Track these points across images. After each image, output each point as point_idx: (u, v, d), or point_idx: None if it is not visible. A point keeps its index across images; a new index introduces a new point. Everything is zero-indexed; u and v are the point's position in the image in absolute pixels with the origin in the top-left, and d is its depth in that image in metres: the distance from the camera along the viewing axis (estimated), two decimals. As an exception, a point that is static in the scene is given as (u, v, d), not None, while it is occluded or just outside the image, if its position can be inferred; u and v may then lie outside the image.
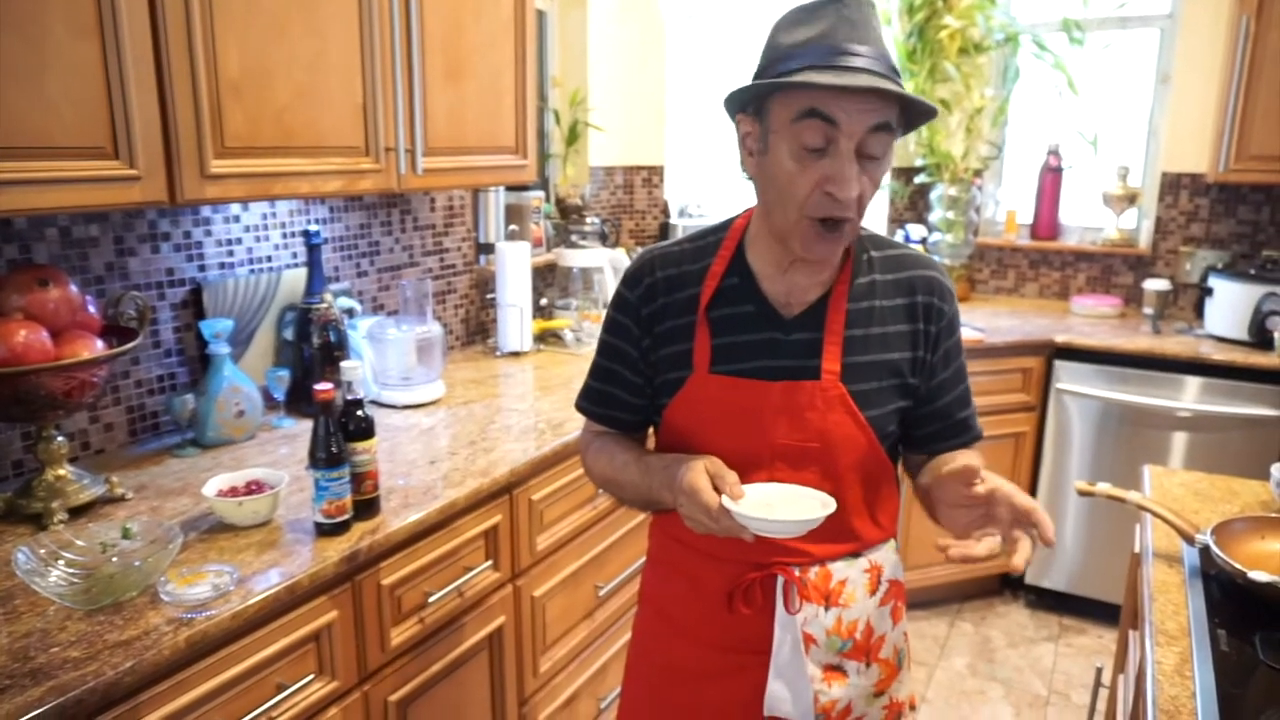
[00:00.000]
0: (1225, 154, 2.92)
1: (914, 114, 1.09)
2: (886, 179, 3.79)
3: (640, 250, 1.47)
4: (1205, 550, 1.39)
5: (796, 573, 1.17)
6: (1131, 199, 3.43)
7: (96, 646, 1.10)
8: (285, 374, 1.97)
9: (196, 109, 1.45)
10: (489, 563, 1.73)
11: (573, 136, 3.26)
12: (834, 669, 1.19)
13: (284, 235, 2.11)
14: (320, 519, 1.42)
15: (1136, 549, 1.75)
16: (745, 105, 1.11)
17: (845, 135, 1.03)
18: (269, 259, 2.08)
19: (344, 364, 1.47)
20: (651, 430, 1.33)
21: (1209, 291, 3.02)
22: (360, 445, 1.46)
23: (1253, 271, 2.95)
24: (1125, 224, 3.50)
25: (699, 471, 1.06)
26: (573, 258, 2.96)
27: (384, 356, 2.13)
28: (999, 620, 3.21)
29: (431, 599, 1.58)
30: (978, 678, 2.86)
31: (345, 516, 1.43)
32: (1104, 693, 1.89)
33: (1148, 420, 2.92)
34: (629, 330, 1.24)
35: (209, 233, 1.92)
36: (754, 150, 1.12)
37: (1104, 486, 1.54)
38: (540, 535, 1.89)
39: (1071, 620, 3.19)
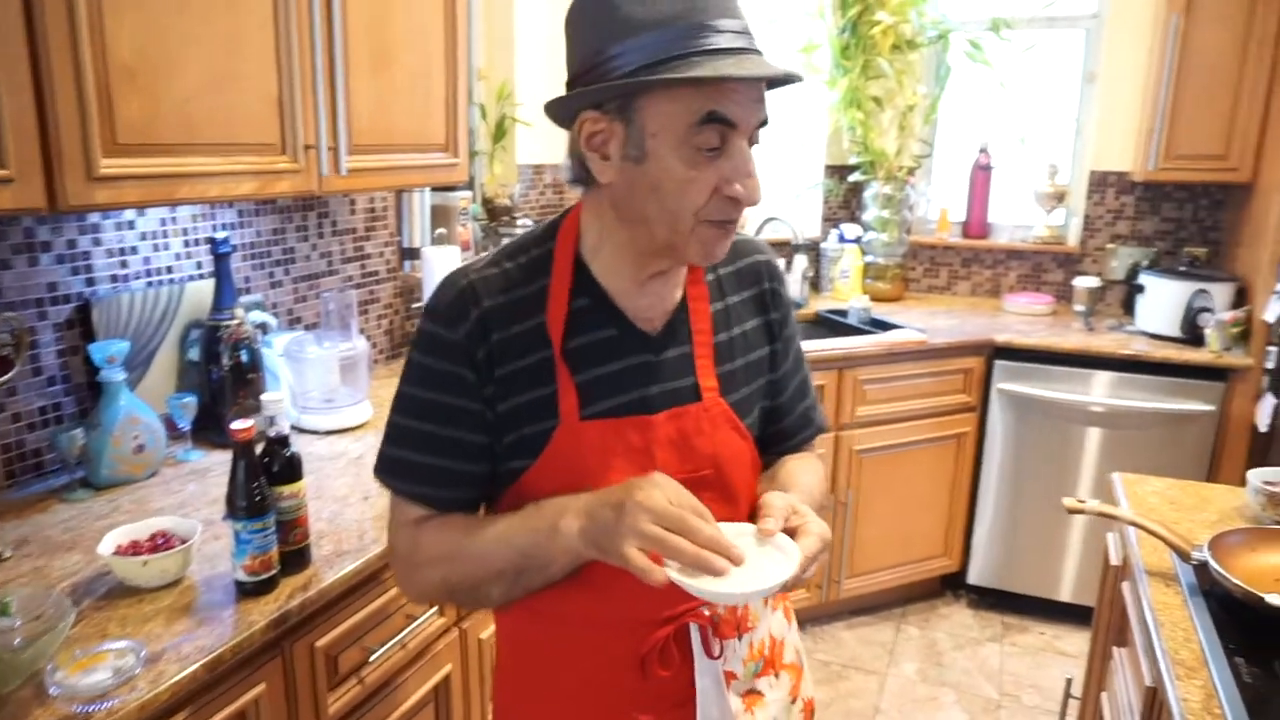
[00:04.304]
0: (1155, 152, 2.96)
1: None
2: (820, 176, 3.76)
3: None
4: (1202, 566, 1.34)
5: (706, 613, 1.02)
6: (1060, 197, 3.46)
7: (-34, 761, 0.90)
8: (191, 400, 1.74)
9: (81, 97, 1.23)
10: (433, 609, 1.56)
11: (500, 133, 3.07)
12: (752, 693, 1.10)
13: (186, 243, 1.87)
14: (242, 577, 1.22)
15: (1114, 560, 1.70)
16: (599, 103, 0.91)
17: (741, 133, 0.90)
18: (169, 270, 1.84)
19: (264, 396, 1.27)
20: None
21: (1140, 289, 3.05)
22: (287, 489, 1.27)
23: (1183, 269, 3.00)
24: (1054, 221, 3.53)
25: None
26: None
27: (303, 377, 1.92)
28: (943, 621, 3.19)
29: (373, 656, 1.40)
30: (929, 684, 2.82)
31: (271, 572, 1.24)
32: (1074, 704, 1.85)
33: (1084, 418, 2.93)
34: (462, 380, 0.96)
35: (98, 241, 1.68)
36: (615, 156, 0.92)
37: (1094, 504, 1.47)
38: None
39: (1012, 618, 3.19)
